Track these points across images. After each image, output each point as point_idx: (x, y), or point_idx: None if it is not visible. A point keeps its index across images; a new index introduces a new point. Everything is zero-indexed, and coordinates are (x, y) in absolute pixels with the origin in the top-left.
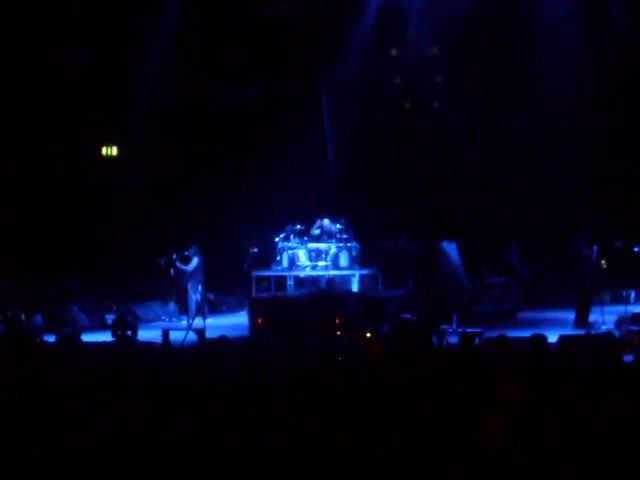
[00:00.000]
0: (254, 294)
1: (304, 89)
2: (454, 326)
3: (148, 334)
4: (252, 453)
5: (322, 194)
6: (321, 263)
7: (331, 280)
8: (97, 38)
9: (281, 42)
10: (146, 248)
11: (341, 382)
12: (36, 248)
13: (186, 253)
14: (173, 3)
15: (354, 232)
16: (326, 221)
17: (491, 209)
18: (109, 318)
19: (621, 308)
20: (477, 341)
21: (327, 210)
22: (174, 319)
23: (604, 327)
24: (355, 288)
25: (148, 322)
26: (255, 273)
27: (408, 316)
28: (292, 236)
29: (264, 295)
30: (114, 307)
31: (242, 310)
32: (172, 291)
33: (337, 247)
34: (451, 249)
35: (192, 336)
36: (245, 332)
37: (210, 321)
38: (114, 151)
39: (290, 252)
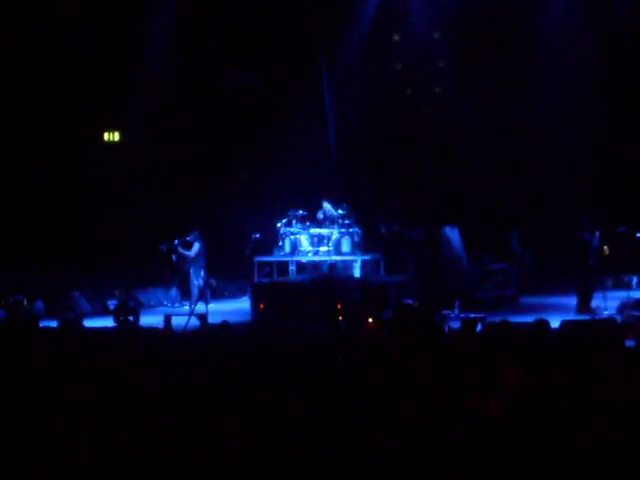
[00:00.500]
0: (256, 279)
1: (306, 74)
2: (456, 311)
3: (150, 319)
4: (254, 436)
5: (324, 179)
6: (323, 249)
7: (333, 265)
8: (99, 23)
9: (283, 27)
10: (148, 234)
11: (343, 368)
12: (38, 234)
13: (188, 238)
14: None
15: (356, 218)
16: (328, 206)
17: (493, 194)
18: (111, 304)
19: (623, 294)
20: (479, 326)
21: (329, 195)
22: (176, 304)
23: (606, 313)
24: (357, 274)
25: (150, 308)
26: (257, 258)
27: (410, 301)
28: (294, 221)
29: (266, 280)
30: (116, 293)
31: (244, 295)
32: (174, 277)
33: (339, 232)
34: (453, 234)
35: (194, 321)
36: (247, 317)
37: (212, 306)
38: (116, 137)
39: (292, 237)
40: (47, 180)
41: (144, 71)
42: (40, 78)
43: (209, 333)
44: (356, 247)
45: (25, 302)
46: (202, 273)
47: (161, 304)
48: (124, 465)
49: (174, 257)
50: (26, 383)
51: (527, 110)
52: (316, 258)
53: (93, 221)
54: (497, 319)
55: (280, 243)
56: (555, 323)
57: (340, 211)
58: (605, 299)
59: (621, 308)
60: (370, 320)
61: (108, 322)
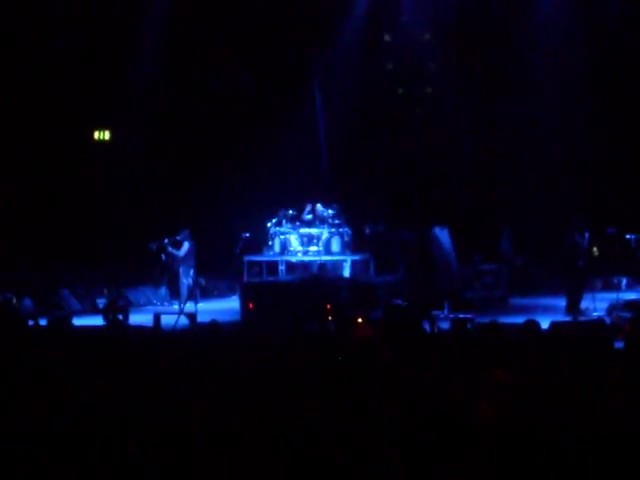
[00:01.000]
0: (246, 279)
1: (296, 75)
2: (446, 312)
3: (139, 318)
4: (244, 437)
5: (314, 179)
6: (313, 248)
7: (323, 265)
8: (90, 22)
9: (274, 27)
10: (138, 232)
11: (333, 367)
12: (28, 232)
13: (177, 238)
14: None
15: (346, 217)
16: (318, 206)
17: (484, 195)
18: (100, 302)
19: (612, 295)
20: (469, 327)
21: (319, 195)
22: (165, 303)
23: (595, 314)
24: (347, 274)
25: (139, 306)
26: (247, 258)
27: (400, 302)
28: (284, 221)
29: (256, 280)
30: (105, 291)
31: (233, 295)
32: (164, 275)
33: (329, 232)
34: (443, 235)
35: (183, 320)
36: (236, 317)
37: (201, 305)
38: (106, 135)
39: (282, 237)
40: (37, 179)
41: (135, 70)
42: (30, 77)
43: (198, 332)
44: (346, 247)
45: (14, 300)
46: (191, 272)
47: (150, 303)
48: (114, 464)
49: (163, 256)
50: (14, 381)
51: (518, 111)
52: (306, 258)
53: (82, 220)
54: (486, 320)
55: (270, 243)
56: (544, 324)
57: (330, 211)
58: (594, 300)
59: (610, 309)
60: (359, 320)
61: (97, 320)
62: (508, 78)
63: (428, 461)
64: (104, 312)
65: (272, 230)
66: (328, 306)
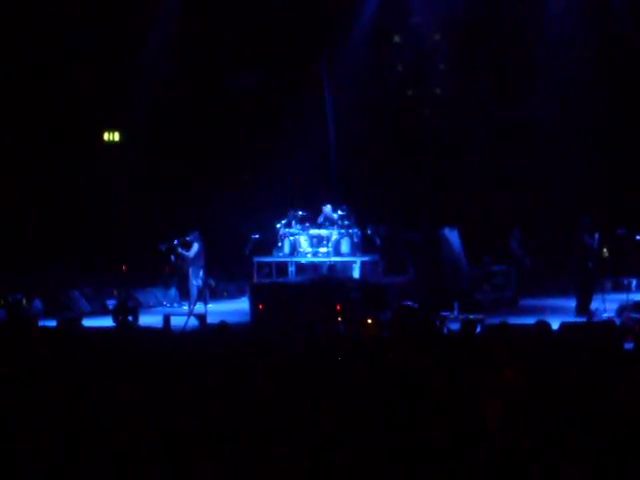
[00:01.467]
0: (255, 280)
1: (306, 75)
2: (455, 313)
3: (149, 319)
4: (252, 437)
5: (324, 180)
6: (322, 249)
7: (332, 267)
8: (98, 22)
9: (283, 28)
10: (147, 234)
11: (342, 368)
12: (37, 233)
13: (187, 239)
14: None
15: (356, 219)
16: (328, 207)
17: (493, 196)
18: (110, 303)
19: (622, 296)
20: (478, 328)
21: (329, 197)
22: (175, 305)
23: (605, 315)
24: (356, 275)
25: (149, 307)
26: (256, 259)
27: (409, 303)
28: (294, 222)
29: (265, 281)
30: (115, 292)
31: (243, 296)
32: (173, 277)
33: (339, 233)
34: (453, 236)
35: (193, 322)
36: (246, 318)
37: (211, 307)
38: (116, 137)
39: (292, 238)
40: (47, 180)
41: (144, 71)
42: (40, 78)
43: (208, 333)
44: (355, 248)
45: (24, 301)
46: (201, 273)
47: (160, 304)
48: (124, 464)
49: (173, 257)
50: (25, 383)
51: (527, 112)
52: (315, 259)
53: (93, 221)
54: (496, 321)
55: (279, 244)
56: (554, 325)
57: (340, 212)
58: (604, 301)
59: (620, 310)
60: (369, 321)
61: (107, 322)
62: (518, 78)
63: (435, 462)
64: (114, 313)
65: (282, 231)
66: (338, 307)
